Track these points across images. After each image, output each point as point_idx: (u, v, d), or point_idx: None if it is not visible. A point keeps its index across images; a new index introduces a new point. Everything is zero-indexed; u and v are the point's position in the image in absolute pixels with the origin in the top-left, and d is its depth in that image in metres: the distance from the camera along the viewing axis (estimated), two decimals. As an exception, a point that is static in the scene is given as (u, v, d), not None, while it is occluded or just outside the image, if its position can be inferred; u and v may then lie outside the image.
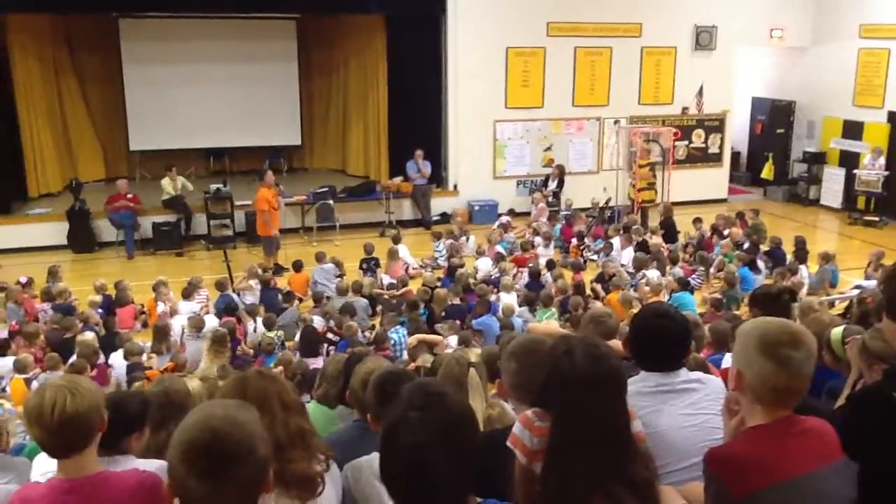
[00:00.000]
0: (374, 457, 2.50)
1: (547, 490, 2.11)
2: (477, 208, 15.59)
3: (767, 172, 17.82)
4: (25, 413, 2.41)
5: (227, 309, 9.86)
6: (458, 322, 9.44)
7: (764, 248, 12.35)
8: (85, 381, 2.44)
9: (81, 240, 13.52)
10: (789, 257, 11.69)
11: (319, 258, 11.55)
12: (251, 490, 1.76)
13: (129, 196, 13.67)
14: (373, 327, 10.09)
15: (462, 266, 11.48)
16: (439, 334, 9.14)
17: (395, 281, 11.37)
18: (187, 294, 10.21)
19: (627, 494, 2.07)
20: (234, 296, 10.46)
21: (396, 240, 12.55)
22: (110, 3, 14.21)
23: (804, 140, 17.72)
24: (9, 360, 8.29)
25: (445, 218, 15.29)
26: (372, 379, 2.79)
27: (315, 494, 2.33)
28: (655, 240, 12.73)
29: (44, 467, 3.39)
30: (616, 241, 12.49)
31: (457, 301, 10.00)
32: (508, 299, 10.09)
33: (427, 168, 15.08)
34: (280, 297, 10.58)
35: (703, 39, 16.61)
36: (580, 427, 2.12)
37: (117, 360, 8.32)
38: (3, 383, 8.14)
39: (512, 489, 2.24)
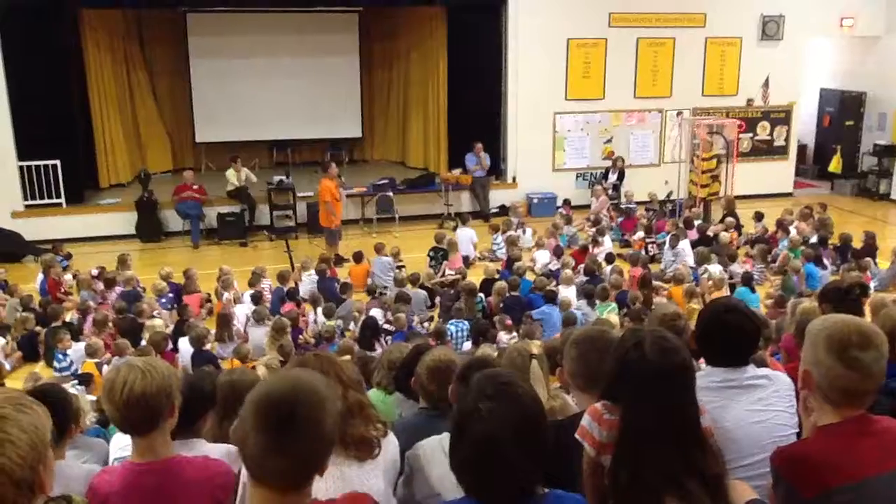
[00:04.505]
0: (445, 436, 2.55)
1: (616, 483, 2.12)
2: (535, 201, 15.54)
3: (835, 166, 17.31)
4: (102, 388, 2.52)
5: (282, 300, 10.07)
6: (509, 322, 9.43)
7: (833, 242, 12.04)
8: (162, 365, 2.51)
9: (149, 229, 13.89)
10: (858, 254, 11.40)
11: (378, 250, 11.64)
12: (307, 463, 1.78)
13: (196, 187, 13.99)
14: (431, 318, 10.16)
15: (520, 259, 11.46)
16: (495, 327, 9.19)
17: (454, 272, 11.42)
18: (253, 283, 10.40)
19: (698, 488, 2.06)
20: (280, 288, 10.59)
21: (465, 219, 13.07)
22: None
23: (875, 132, 17.16)
24: (81, 346, 8.61)
25: (504, 210, 15.27)
26: (463, 363, 2.83)
27: (371, 455, 2.50)
28: (724, 235, 12.49)
29: (121, 443, 3.52)
30: (685, 242, 12.14)
31: (515, 293, 10.00)
32: (567, 292, 10.05)
33: (487, 160, 15.07)
34: (338, 287, 10.71)
35: (770, 29, 16.23)
36: (649, 420, 2.12)
37: (184, 346, 8.54)
38: (74, 367, 8.46)
39: (580, 481, 2.25)
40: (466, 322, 9.17)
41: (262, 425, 1.71)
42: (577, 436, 2.30)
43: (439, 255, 12.01)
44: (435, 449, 2.59)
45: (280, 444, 1.71)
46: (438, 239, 12.20)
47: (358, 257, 11.53)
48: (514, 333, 8.71)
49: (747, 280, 10.17)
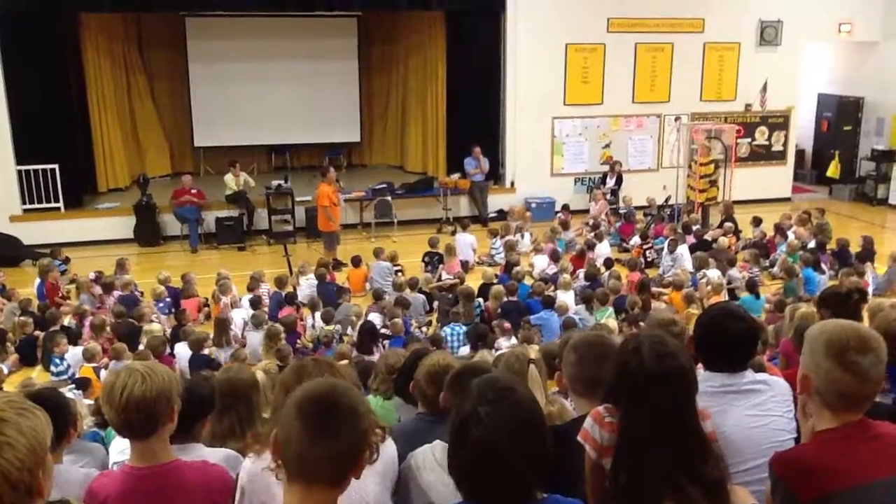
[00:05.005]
0: (436, 444, 2.56)
1: (616, 486, 2.13)
2: (534, 205, 15.52)
3: (833, 171, 17.33)
4: (101, 391, 2.52)
5: (280, 305, 10.06)
6: (508, 326, 9.42)
7: (830, 247, 12.06)
8: (162, 370, 2.51)
9: (147, 234, 13.87)
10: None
11: (377, 254, 11.63)
12: (346, 455, 1.85)
13: (194, 191, 13.99)
14: (429, 323, 10.15)
15: (518, 263, 11.45)
16: (494, 332, 9.18)
17: (451, 276, 11.41)
18: (252, 288, 10.39)
19: (698, 492, 2.07)
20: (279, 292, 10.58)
21: (465, 225, 13.10)
22: (178, 2, 14.60)
23: (873, 137, 17.19)
24: (78, 350, 8.59)
25: (502, 215, 15.27)
26: (453, 370, 2.83)
27: (370, 460, 2.47)
28: (723, 240, 12.50)
29: (121, 447, 3.51)
30: (684, 247, 12.13)
31: (513, 298, 9.99)
32: (565, 297, 10.04)
33: (486, 164, 15.06)
34: (335, 291, 10.69)
35: (768, 35, 16.27)
36: (648, 424, 2.13)
37: (181, 350, 8.53)
38: (71, 372, 8.44)
39: (578, 485, 2.25)
40: (462, 326, 9.16)
41: (307, 414, 1.82)
42: (579, 438, 2.30)
43: (434, 259, 12.01)
44: (426, 457, 2.59)
45: (325, 431, 1.81)
46: (433, 244, 12.21)
47: (356, 262, 11.53)
48: (513, 338, 8.70)
49: (751, 286, 10.17)
